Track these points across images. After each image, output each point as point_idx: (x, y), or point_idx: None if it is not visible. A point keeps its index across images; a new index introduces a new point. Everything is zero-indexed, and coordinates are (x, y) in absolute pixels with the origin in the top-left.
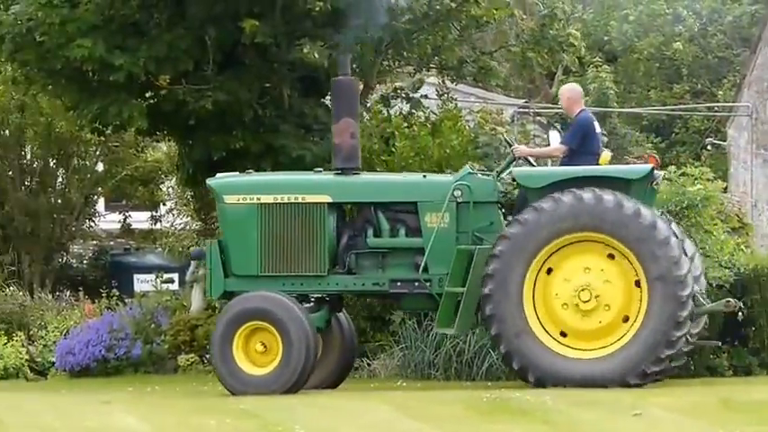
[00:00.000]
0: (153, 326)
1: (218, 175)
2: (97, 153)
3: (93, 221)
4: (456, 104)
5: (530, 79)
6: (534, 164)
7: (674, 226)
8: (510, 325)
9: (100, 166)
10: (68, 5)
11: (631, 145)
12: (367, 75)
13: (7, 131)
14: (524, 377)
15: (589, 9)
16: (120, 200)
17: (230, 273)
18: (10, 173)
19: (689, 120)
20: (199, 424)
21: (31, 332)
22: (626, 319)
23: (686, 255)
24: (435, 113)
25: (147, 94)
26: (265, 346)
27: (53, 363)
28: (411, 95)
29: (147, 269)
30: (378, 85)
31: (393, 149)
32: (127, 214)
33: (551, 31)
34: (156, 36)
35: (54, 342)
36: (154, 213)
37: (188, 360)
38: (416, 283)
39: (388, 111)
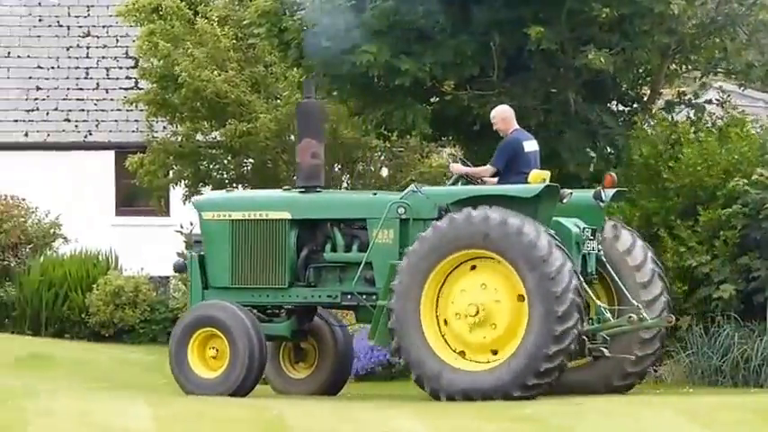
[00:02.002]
0: None
1: (209, 193)
2: (381, 158)
3: None
4: (743, 110)
5: None
6: (476, 182)
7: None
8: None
9: (384, 172)
10: (354, 11)
11: None
12: (654, 80)
13: (293, 137)
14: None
15: None
16: None
17: (208, 285)
18: (294, 177)
19: None
20: (477, 428)
21: None
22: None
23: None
24: (722, 119)
25: (432, 100)
26: (217, 351)
27: None
28: (694, 101)
29: None
30: (665, 90)
31: (680, 156)
32: None
33: None
34: (441, 41)
35: None
36: None
37: None
38: (364, 296)
39: (672, 116)
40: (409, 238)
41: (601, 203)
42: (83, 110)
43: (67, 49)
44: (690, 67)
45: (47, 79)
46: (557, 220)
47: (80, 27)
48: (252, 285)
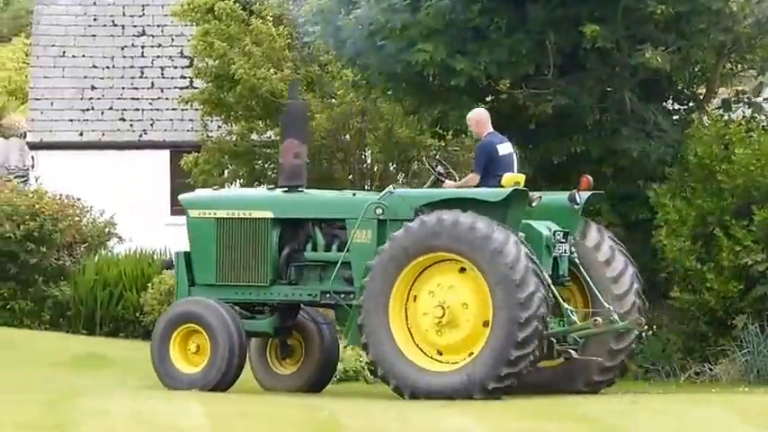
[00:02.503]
0: None
1: (196, 191)
2: (437, 157)
3: None
4: None
5: None
6: None
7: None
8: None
9: (439, 170)
10: (409, 10)
11: None
12: (710, 79)
13: (348, 136)
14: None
15: None
16: None
17: (195, 282)
18: (350, 177)
19: None
20: (536, 427)
21: None
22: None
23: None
24: None
25: (487, 98)
26: (198, 347)
27: None
28: (752, 100)
29: None
30: (720, 89)
31: (733, 156)
32: None
33: None
34: (497, 40)
35: None
36: None
37: None
38: (342, 295)
39: (729, 115)
40: (386, 238)
41: (575, 206)
42: (137, 109)
43: (122, 49)
44: (745, 65)
45: (102, 79)
46: (528, 223)
47: (135, 26)
48: (236, 283)
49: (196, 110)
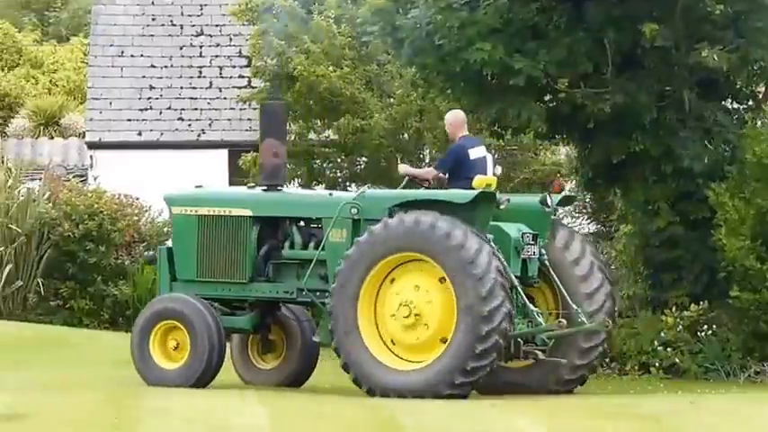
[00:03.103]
0: None
1: (179, 188)
2: (495, 156)
3: None
4: None
5: None
6: (421, 183)
7: (588, 254)
8: (341, 323)
9: (498, 170)
10: (468, 9)
11: None
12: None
13: (406, 135)
14: (347, 372)
15: None
16: None
17: (176, 277)
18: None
19: None
20: (593, 426)
21: None
22: (444, 340)
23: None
24: None
25: (546, 98)
26: (178, 343)
27: None
28: None
29: None
30: None
31: None
32: None
33: None
34: (555, 39)
35: None
36: None
37: None
38: (317, 293)
39: None
40: (357, 237)
41: (546, 209)
42: (196, 109)
43: (181, 48)
44: None
45: (160, 78)
46: (496, 225)
47: (193, 26)
48: (215, 279)
49: (254, 109)
